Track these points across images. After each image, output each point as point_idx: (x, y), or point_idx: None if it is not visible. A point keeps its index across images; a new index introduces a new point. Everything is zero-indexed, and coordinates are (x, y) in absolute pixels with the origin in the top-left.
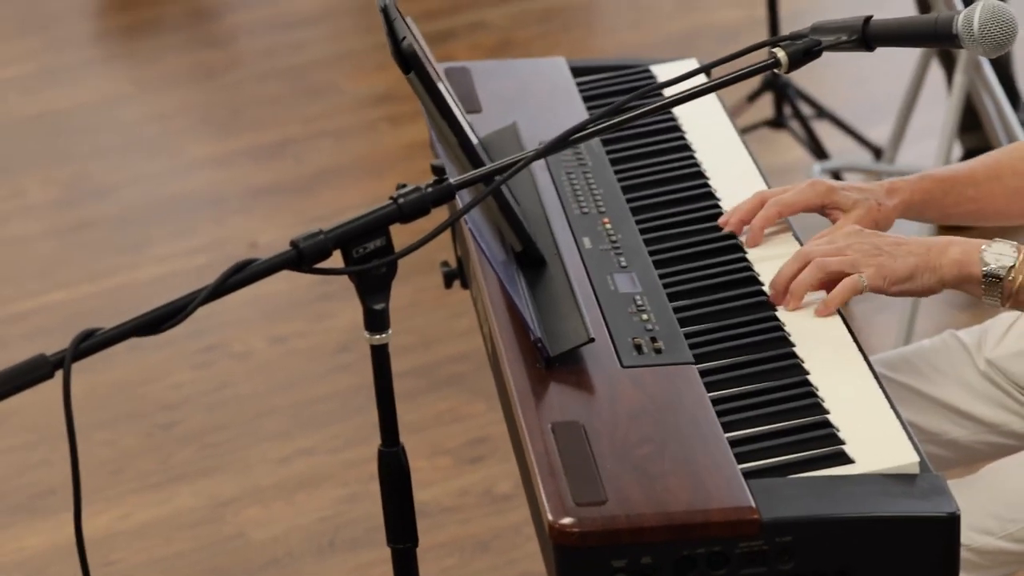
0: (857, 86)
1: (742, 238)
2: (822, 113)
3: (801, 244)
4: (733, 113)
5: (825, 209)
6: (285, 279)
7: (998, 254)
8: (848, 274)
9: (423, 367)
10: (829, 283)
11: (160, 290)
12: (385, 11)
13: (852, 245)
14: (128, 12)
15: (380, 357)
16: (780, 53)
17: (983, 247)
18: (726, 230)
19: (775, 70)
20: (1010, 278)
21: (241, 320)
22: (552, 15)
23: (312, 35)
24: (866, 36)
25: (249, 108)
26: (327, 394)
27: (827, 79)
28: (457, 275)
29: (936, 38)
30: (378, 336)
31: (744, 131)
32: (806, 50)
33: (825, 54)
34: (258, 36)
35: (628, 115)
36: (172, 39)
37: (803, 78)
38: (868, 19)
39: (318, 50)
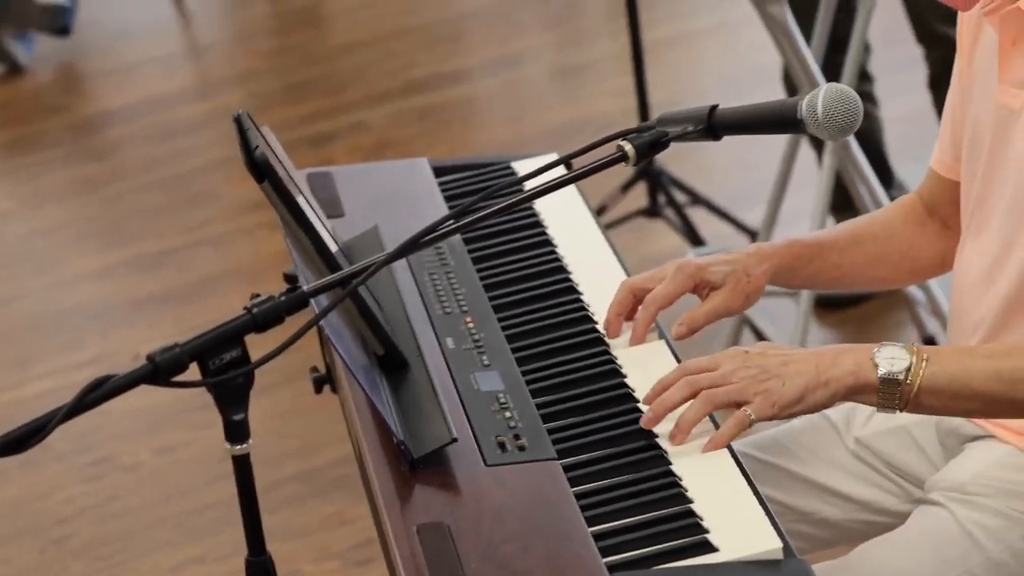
0: (732, 171)
1: (621, 338)
2: (696, 199)
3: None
4: (607, 203)
5: (697, 289)
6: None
7: (891, 358)
8: (736, 404)
9: (308, 472)
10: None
11: (48, 405)
12: (238, 121)
13: (737, 371)
14: (7, 128)
15: (242, 467)
16: (627, 146)
17: (874, 352)
18: (609, 336)
19: (624, 162)
20: (908, 381)
21: (128, 433)
22: (430, 113)
23: (190, 144)
24: (712, 125)
25: (131, 219)
26: (214, 502)
27: (702, 165)
28: (327, 380)
29: (782, 124)
30: (239, 447)
31: (619, 221)
32: (653, 142)
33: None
34: (138, 147)
35: (481, 213)
36: (52, 154)
37: (677, 165)
38: (714, 108)
39: (197, 158)
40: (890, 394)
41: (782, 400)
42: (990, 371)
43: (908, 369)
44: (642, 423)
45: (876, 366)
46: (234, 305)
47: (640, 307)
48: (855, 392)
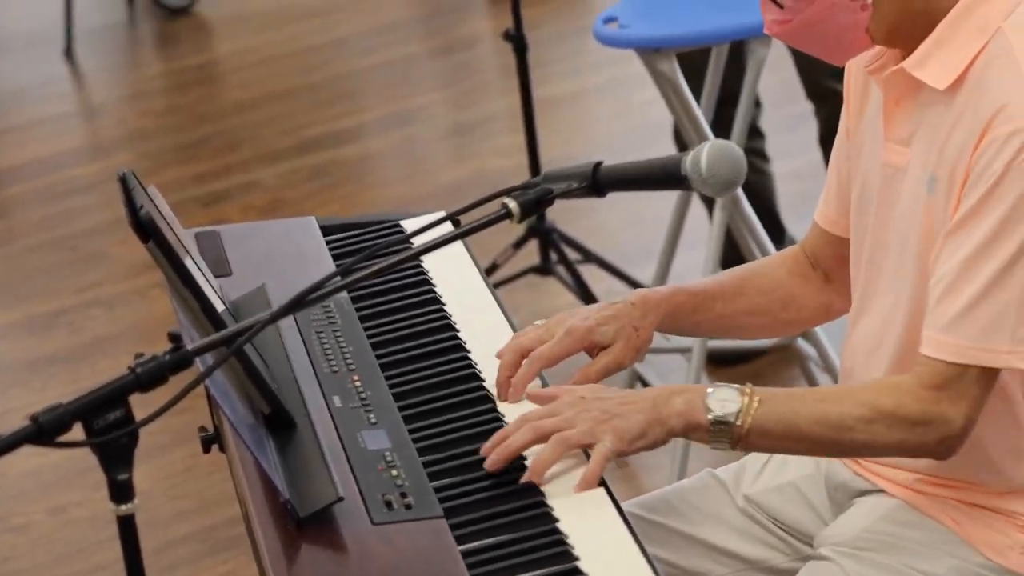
0: (624, 228)
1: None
2: (588, 257)
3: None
4: (499, 260)
5: (587, 350)
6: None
7: (723, 400)
8: (587, 444)
9: (201, 531)
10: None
11: None
12: (123, 181)
13: (580, 414)
14: None
15: (127, 528)
16: (512, 203)
17: (707, 393)
18: (501, 399)
19: (509, 219)
20: (739, 423)
21: (20, 493)
22: (323, 172)
23: (83, 204)
24: (596, 182)
25: (23, 279)
26: (108, 562)
27: (594, 222)
28: (215, 439)
29: (666, 181)
30: (124, 507)
31: (511, 278)
32: (538, 199)
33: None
34: (30, 207)
35: (367, 270)
36: None
37: (569, 222)
38: (598, 165)
39: (89, 219)
40: (721, 434)
41: (629, 434)
42: (819, 416)
43: (739, 412)
44: (487, 466)
45: (708, 408)
46: (126, 366)
47: (524, 362)
48: (688, 431)
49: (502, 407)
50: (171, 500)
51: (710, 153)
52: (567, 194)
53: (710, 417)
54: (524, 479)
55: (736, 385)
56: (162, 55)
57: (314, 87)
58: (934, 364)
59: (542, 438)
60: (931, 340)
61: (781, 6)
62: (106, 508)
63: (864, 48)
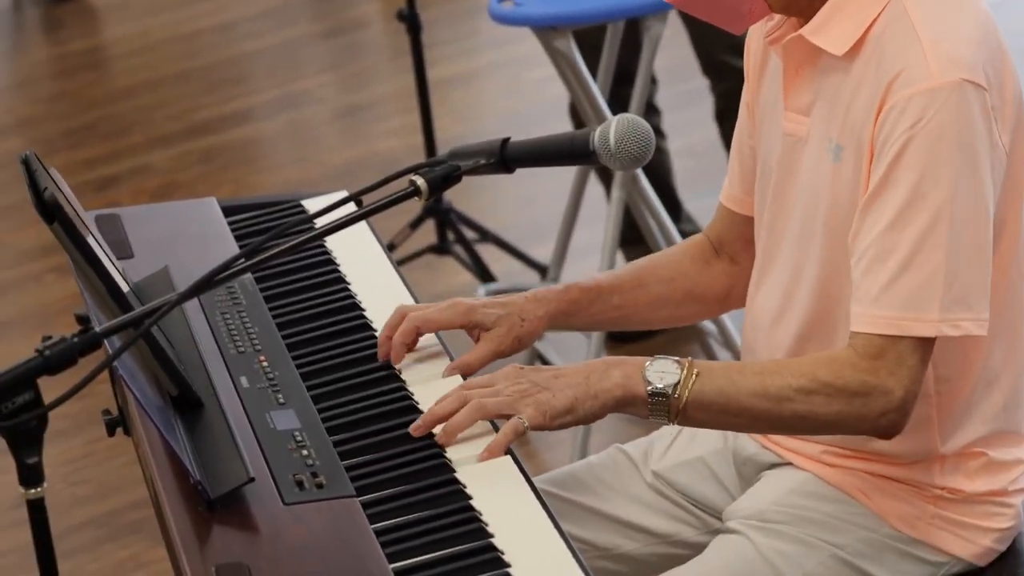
0: (521, 207)
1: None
2: (486, 236)
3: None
4: (396, 240)
5: (467, 329)
6: None
7: (661, 372)
8: (507, 415)
9: (101, 516)
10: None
11: None
12: (26, 163)
13: (510, 385)
14: None
15: (37, 512)
16: (419, 180)
17: (646, 365)
18: (380, 357)
19: (416, 197)
20: (676, 395)
21: None
22: (213, 155)
23: None
24: (504, 158)
25: None
26: (8, 549)
27: (491, 201)
28: (120, 422)
29: (573, 156)
30: (33, 491)
31: (409, 258)
32: (445, 175)
33: (491, 177)
34: None
35: (272, 251)
36: None
37: (466, 202)
38: (506, 141)
39: None
40: (659, 406)
41: (552, 410)
42: (758, 387)
43: (677, 384)
44: (411, 430)
45: (646, 380)
46: (22, 352)
47: (404, 319)
48: (624, 404)
49: (412, 387)
50: (70, 486)
51: (618, 128)
52: (475, 170)
53: (649, 390)
54: (436, 439)
55: (675, 358)
56: (49, 40)
57: (203, 71)
58: (868, 337)
59: (488, 415)
60: (861, 316)
61: None
62: (5, 496)
63: (762, 15)
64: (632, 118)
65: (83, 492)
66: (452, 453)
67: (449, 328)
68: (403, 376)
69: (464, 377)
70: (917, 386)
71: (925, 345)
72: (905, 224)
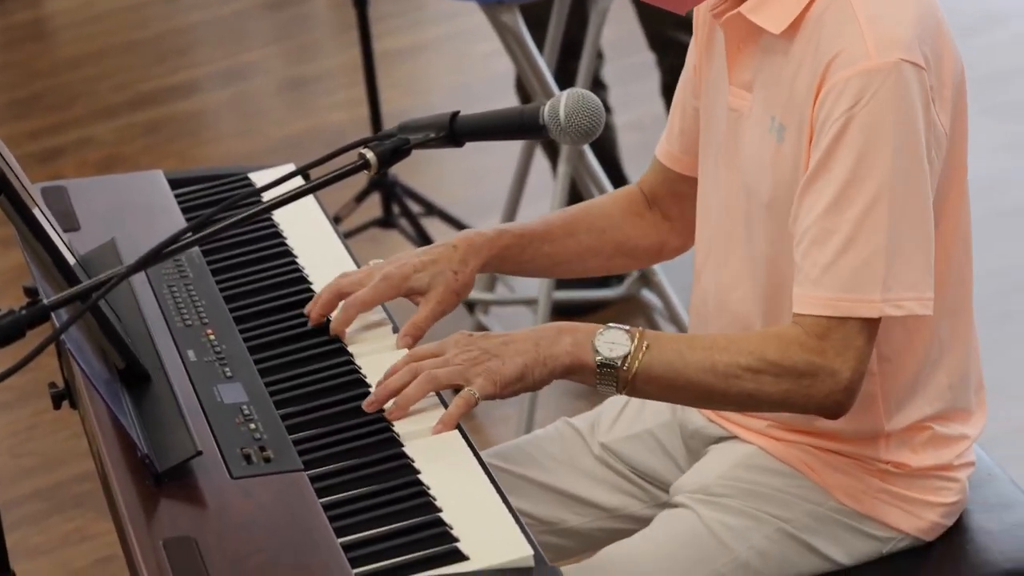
0: (467, 181)
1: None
2: (431, 210)
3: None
4: (341, 214)
5: (407, 297)
6: None
7: (611, 343)
8: (458, 385)
9: (47, 489)
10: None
11: None
12: None
13: (459, 354)
14: None
15: None
16: (369, 154)
17: (597, 334)
18: (310, 324)
19: (366, 170)
20: (624, 367)
21: None
22: (158, 127)
23: None
24: (454, 131)
25: None
26: None
27: (437, 175)
28: (66, 395)
29: (523, 130)
30: None
31: (354, 232)
32: (394, 149)
33: (437, 151)
34: None
35: (221, 224)
36: None
37: (412, 176)
38: (455, 115)
39: None
40: (607, 376)
41: (502, 379)
42: (706, 363)
43: (626, 356)
44: (364, 406)
45: (595, 350)
46: None
47: (340, 305)
48: (572, 372)
49: (359, 360)
50: (15, 458)
51: (568, 102)
52: (424, 144)
53: (598, 360)
54: (387, 414)
55: (626, 327)
56: None
57: (147, 42)
58: (812, 319)
59: (440, 387)
60: (803, 298)
61: None
62: None
63: None
64: (582, 92)
65: (28, 464)
66: (399, 427)
67: (386, 300)
68: (350, 349)
69: (415, 340)
70: (864, 366)
71: (871, 326)
72: (845, 205)
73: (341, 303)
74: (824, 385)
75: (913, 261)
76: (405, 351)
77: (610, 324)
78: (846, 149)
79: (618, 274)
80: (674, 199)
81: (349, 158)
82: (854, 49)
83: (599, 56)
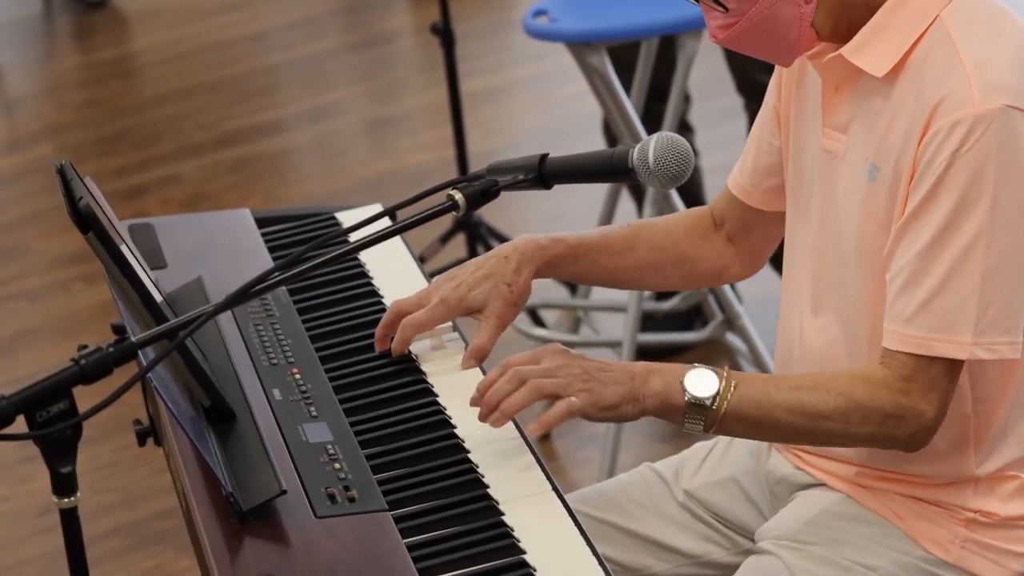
0: (552, 222)
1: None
2: None
3: (484, 374)
4: (426, 254)
5: (464, 316)
6: None
7: (701, 382)
8: (559, 396)
9: (128, 525)
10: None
11: None
12: (61, 172)
13: (562, 367)
14: None
15: (70, 521)
16: (458, 195)
17: (685, 375)
18: (376, 346)
19: (454, 212)
20: (714, 406)
21: None
22: (243, 165)
23: (3, 197)
24: (542, 174)
25: None
26: (33, 556)
27: (521, 216)
28: (151, 432)
29: (613, 173)
30: (67, 500)
31: (439, 272)
32: (483, 191)
33: (518, 192)
34: None
35: (309, 263)
36: None
37: (496, 216)
38: (544, 157)
39: (8, 212)
40: (695, 415)
41: (602, 402)
42: (794, 403)
43: (716, 395)
44: (480, 418)
45: (685, 390)
46: (50, 359)
47: (399, 328)
48: (663, 412)
49: (444, 400)
50: (97, 494)
51: (657, 146)
52: (513, 185)
53: (687, 399)
54: (490, 420)
55: (713, 368)
56: (79, 48)
57: (233, 81)
58: (900, 357)
59: (544, 396)
60: (894, 334)
61: (726, 8)
62: (31, 504)
63: (811, 46)
64: (671, 136)
65: (109, 500)
66: (484, 468)
67: (444, 322)
68: (422, 367)
69: (479, 363)
70: (947, 406)
71: (956, 367)
72: (943, 247)
73: (400, 327)
74: (909, 426)
75: (1008, 306)
76: (477, 371)
77: (695, 364)
78: (948, 192)
79: (675, 290)
80: (741, 226)
81: (438, 199)
82: (959, 94)
83: (686, 99)
